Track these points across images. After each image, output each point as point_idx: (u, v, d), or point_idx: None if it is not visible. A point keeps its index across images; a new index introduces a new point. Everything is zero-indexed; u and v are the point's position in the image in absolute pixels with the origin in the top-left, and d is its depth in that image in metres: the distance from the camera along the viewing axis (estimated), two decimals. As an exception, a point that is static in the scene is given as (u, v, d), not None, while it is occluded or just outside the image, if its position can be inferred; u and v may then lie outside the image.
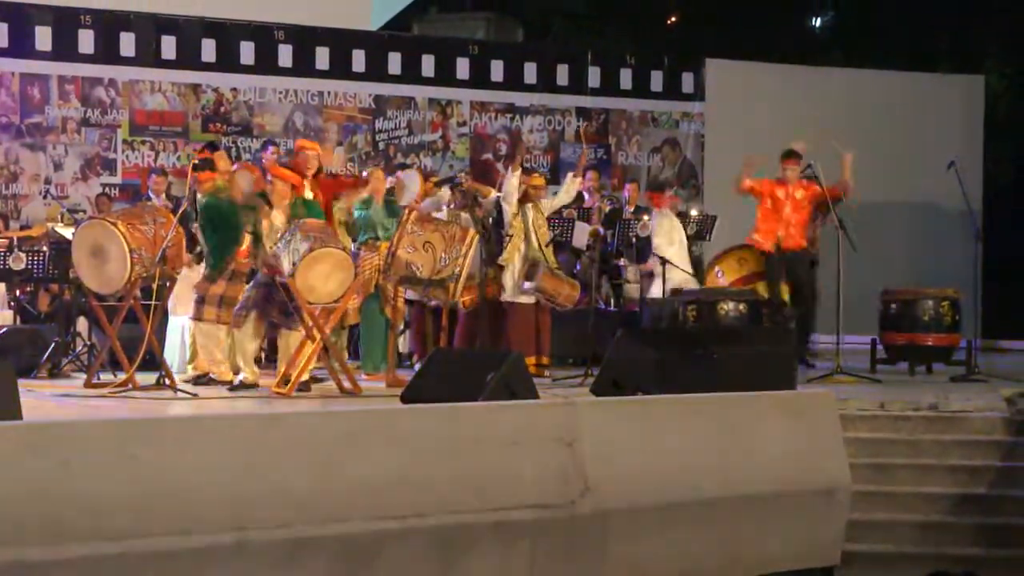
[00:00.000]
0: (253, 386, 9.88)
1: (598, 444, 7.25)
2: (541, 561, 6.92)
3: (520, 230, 11.41)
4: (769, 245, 12.63)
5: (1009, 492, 9.08)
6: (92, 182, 14.57)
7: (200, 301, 10.21)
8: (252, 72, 15.34)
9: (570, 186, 11.97)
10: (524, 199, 11.53)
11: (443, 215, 11.88)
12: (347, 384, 9.84)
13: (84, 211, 13.63)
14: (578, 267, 12.76)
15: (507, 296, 11.40)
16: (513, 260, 11.38)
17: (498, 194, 11.70)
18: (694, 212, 13.91)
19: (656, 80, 17.21)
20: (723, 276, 13.12)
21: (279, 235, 9.78)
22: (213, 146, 11.61)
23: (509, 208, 11.45)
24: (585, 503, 7.08)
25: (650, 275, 12.72)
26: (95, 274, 9.81)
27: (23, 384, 7.81)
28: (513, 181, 11.42)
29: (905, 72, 18.76)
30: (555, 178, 15.78)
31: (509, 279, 11.39)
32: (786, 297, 12.62)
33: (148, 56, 14.86)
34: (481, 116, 16.41)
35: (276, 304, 9.94)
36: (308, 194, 10.68)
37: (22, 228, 13.76)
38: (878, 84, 18.03)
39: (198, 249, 10.47)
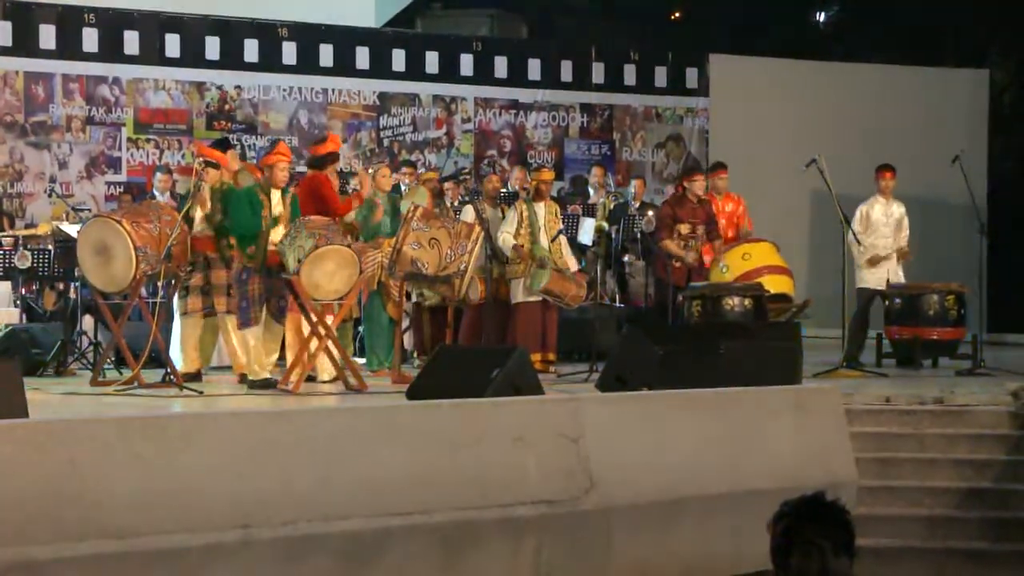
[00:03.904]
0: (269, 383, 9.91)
1: (603, 440, 7.25)
2: (546, 557, 6.92)
3: (527, 233, 11.36)
4: None
5: (1015, 486, 9.05)
6: (97, 180, 14.58)
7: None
8: (256, 70, 15.34)
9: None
10: (536, 196, 11.53)
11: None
12: (352, 381, 9.85)
13: (89, 209, 13.62)
14: (583, 263, 12.74)
15: (515, 300, 11.36)
16: (520, 271, 11.30)
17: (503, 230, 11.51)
18: None
19: (660, 76, 17.20)
20: (728, 271, 13.07)
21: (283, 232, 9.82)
22: (226, 142, 11.55)
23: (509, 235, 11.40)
24: (590, 499, 7.07)
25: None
26: (100, 272, 9.82)
27: (29, 382, 7.83)
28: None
29: (909, 66, 18.72)
30: (559, 174, 15.81)
31: (518, 286, 11.34)
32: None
33: (152, 54, 14.86)
34: (485, 112, 16.40)
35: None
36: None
37: (27, 227, 13.74)
38: (883, 79, 18.00)
39: None
